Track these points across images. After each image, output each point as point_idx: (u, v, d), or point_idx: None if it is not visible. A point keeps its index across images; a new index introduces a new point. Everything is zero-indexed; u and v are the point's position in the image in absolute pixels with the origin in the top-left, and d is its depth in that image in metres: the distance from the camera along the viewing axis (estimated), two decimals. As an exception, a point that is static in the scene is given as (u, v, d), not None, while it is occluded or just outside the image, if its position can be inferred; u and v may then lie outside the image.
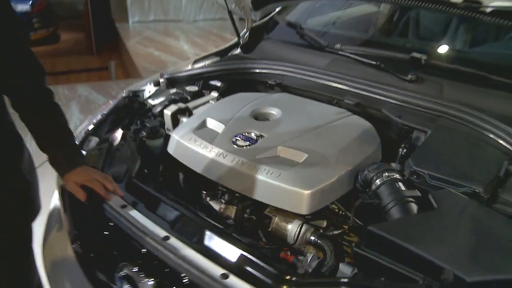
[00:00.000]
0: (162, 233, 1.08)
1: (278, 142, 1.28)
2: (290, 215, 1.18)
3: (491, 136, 1.29)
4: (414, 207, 1.06)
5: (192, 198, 1.37)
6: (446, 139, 1.31)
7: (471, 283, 0.83)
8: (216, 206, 1.32)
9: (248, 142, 1.31)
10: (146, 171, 1.44)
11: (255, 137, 1.33)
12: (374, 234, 0.96)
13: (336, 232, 1.20)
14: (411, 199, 1.07)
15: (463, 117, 1.35)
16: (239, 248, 1.03)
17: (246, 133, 1.35)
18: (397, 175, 1.15)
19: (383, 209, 1.09)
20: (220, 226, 1.15)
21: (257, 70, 1.79)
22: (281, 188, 1.15)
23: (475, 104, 1.39)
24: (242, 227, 1.24)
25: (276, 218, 1.21)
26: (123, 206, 1.19)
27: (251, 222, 1.25)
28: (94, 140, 1.52)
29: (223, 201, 1.30)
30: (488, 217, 1.01)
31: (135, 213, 1.15)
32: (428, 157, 1.21)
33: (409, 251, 0.90)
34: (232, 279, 0.95)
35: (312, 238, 1.15)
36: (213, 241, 1.07)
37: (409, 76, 1.56)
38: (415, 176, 1.17)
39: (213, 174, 1.27)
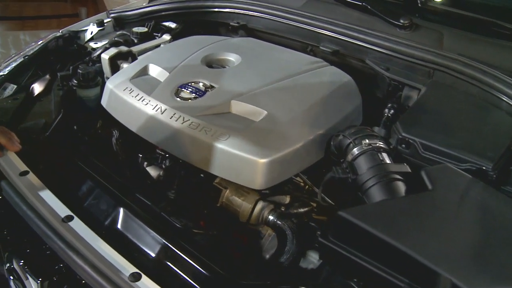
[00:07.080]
0: (64, 211, 0.80)
1: (232, 95, 1.00)
2: (244, 188, 0.94)
3: (504, 98, 1.01)
4: (401, 186, 0.81)
5: (127, 163, 1.09)
6: (444, 99, 1.04)
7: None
8: (154, 173, 1.05)
9: (194, 94, 1.02)
10: (76, 128, 1.15)
11: (203, 88, 1.04)
12: (345, 221, 0.70)
13: (302, 210, 0.95)
14: (397, 176, 0.81)
15: (467, 72, 1.06)
16: (165, 237, 0.77)
17: (193, 83, 1.05)
18: (381, 143, 0.88)
19: (360, 187, 0.83)
20: (148, 203, 0.87)
21: (218, 9, 1.47)
22: (229, 155, 0.87)
23: (483, 58, 1.10)
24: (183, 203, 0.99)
25: (227, 191, 0.96)
26: (23, 173, 0.90)
27: (197, 195, 1.00)
28: (11, 88, 1.21)
29: (163, 167, 1.04)
30: (498, 203, 0.76)
31: (36, 185, 0.86)
32: (421, 121, 0.96)
33: (392, 247, 0.66)
34: (144, 282, 0.68)
35: (271, 217, 0.91)
36: (132, 225, 0.80)
37: (402, 20, 1.25)
38: (403, 145, 0.90)
39: (149, 133, 1.00)
